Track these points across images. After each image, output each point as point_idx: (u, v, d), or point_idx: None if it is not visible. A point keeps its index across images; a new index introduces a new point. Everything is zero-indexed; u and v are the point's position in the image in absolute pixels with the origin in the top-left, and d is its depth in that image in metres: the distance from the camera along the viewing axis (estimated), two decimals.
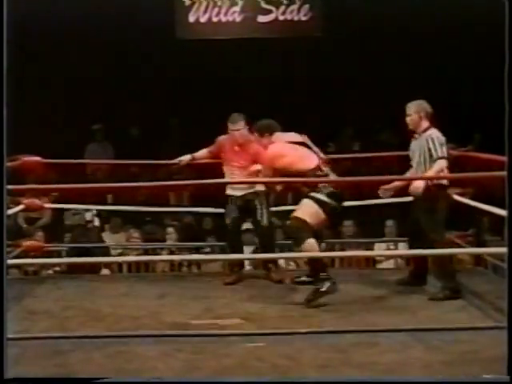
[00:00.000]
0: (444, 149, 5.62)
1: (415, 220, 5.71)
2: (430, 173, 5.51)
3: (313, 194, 5.34)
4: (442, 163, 5.57)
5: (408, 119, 5.76)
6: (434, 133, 5.69)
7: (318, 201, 5.33)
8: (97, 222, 8.13)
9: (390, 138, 10.46)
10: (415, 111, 5.73)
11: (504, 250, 3.55)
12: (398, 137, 9.94)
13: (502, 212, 4.10)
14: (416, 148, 5.74)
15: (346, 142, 10.93)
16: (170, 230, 8.78)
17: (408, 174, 5.89)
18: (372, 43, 10.62)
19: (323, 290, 5.26)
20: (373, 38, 10.54)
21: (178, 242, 8.44)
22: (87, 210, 8.07)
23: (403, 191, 5.88)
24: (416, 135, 5.79)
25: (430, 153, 5.63)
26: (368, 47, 10.65)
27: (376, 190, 5.98)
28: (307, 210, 5.33)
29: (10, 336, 3.37)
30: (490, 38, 5.88)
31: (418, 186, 5.52)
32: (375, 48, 10.63)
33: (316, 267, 5.37)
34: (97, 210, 8.03)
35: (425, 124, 5.73)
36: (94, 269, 7.25)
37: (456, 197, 5.99)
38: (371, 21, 10.29)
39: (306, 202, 5.36)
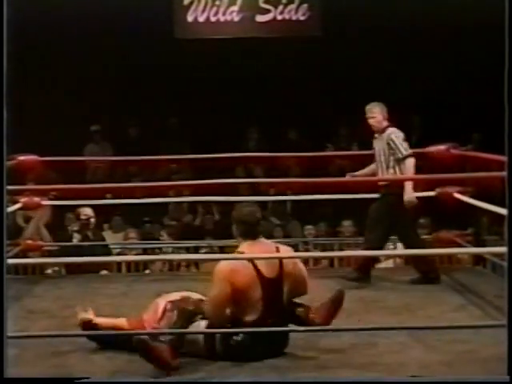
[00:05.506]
0: (405, 145, 5.82)
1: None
2: (409, 174, 5.73)
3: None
4: (412, 161, 5.77)
5: (373, 121, 5.97)
6: (393, 131, 5.89)
7: None
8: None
9: None
10: (380, 112, 5.93)
11: (504, 249, 3.55)
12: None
13: (502, 211, 4.10)
14: (380, 147, 5.92)
15: (345, 142, 10.92)
16: (163, 233, 8.86)
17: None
18: (371, 42, 10.61)
19: None
20: (372, 37, 10.53)
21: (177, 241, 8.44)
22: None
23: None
24: (376, 135, 5.99)
25: (391, 152, 5.82)
26: (367, 46, 10.64)
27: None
28: None
29: (10, 334, 3.36)
30: (490, 38, 5.89)
31: (412, 199, 5.65)
32: (374, 47, 10.62)
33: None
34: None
35: (385, 123, 5.93)
36: (95, 268, 7.22)
37: (456, 195, 6.01)
38: (370, 20, 10.29)
39: None
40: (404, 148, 5.81)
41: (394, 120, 5.98)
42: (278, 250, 4.31)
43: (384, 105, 5.97)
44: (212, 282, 4.16)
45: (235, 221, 4.33)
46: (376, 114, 5.93)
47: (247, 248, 4.23)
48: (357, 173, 6.19)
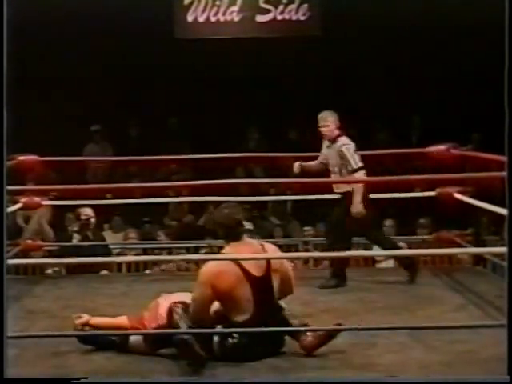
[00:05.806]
0: (357, 158, 5.85)
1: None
2: (359, 185, 5.74)
3: None
4: (362, 173, 5.84)
5: (325, 129, 6.00)
6: (344, 142, 5.91)
7: None
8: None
9: (389, 137, 10.47)
10: (333, 121, 5.97)
11: (504, 249, 3.55)
12: (397, 136, 10.02)
13: (502, 211, 4.10)
14: (331, 157, 5.96)
15: None
16: (161, 234, 8.86)
17: None
18: (371, 42, 10.61)
19: None
20: (372, 37, 10.53)
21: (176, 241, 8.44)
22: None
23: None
24: (327, 143, 6.02)
25: (343, 162, 5.84)
26: (367, 46, 10.64)
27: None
28: None
29: (10, 334, 3.36)
30: (490, 38, 5.89)
31: (359, 210, 5.74)
32: (374, 47, 10.62)
33: None
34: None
35: (336, 132, 5.96)
36: (95, 268, 7.22)
37: (456, 195, 6.00)
38: (370, 20, 10.29)
39: None
40: (355, 162, 5.83)
41: (353, 127, 6.06)
42: (263, 248, 4.30)
43: (337, 113, 6.00)
44: (196, 284, 4.18)
45: (216, 224, 4.34)
46: (329, 122, 5.95)
47: (231, 249, 4.23)
48: (305, 164, 6.17)
